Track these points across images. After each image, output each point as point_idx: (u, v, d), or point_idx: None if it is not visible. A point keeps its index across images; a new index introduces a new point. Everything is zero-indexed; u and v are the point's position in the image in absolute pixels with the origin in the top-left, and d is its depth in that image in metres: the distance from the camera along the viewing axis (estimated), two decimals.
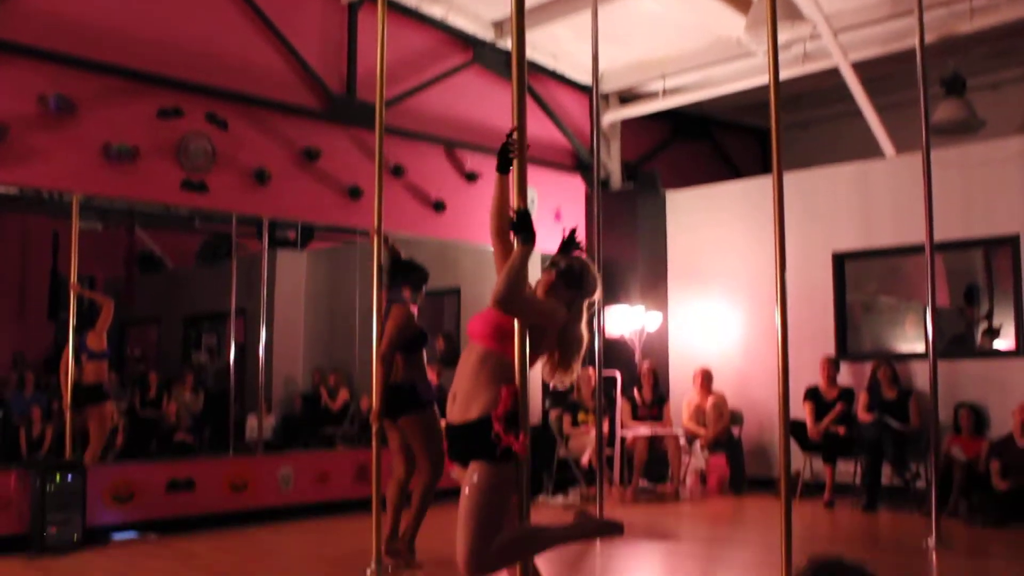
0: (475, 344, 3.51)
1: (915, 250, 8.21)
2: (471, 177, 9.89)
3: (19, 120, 7.03)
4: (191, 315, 12.39)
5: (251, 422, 9.87)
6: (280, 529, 7.74)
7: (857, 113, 9.68)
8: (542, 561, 4.59)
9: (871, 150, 9.72)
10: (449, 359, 11.54)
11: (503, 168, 3.58)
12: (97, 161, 7.43)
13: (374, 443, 6.18)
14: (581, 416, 9.58)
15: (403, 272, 6.46)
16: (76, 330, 7.88)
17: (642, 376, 10.00)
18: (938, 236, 7.25)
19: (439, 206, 9.61)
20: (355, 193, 8.91)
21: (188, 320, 12.47)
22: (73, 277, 7.84)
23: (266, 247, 9.14)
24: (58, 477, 6.86)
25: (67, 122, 7.29)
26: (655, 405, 9.91)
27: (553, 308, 3.59)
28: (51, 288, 10.92)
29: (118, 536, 7.15)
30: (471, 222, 9.82)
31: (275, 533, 7.61)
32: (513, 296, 3.32)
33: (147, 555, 6.72)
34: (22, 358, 10.63)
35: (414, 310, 6.41)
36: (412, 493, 6.29)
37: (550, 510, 8.94)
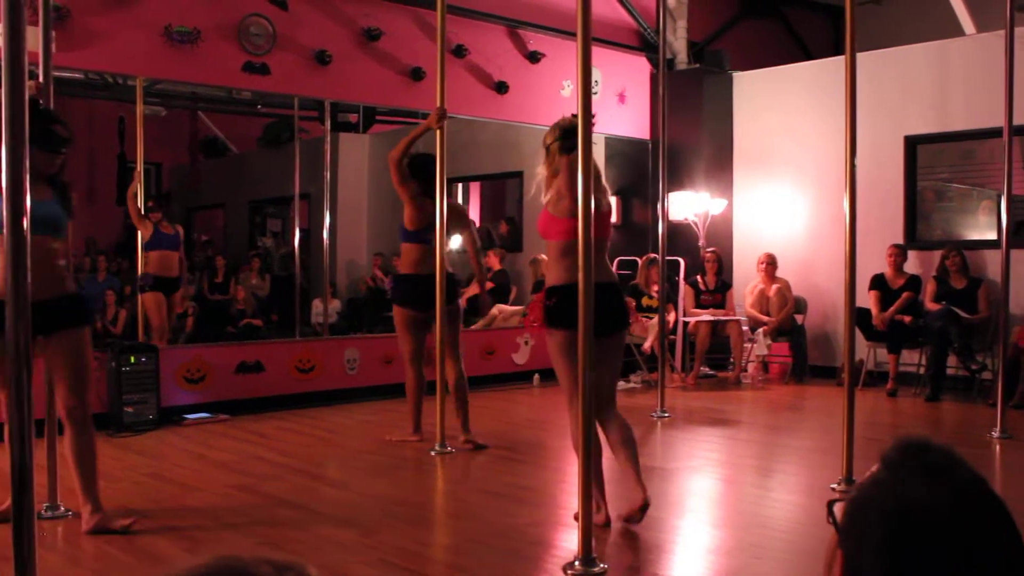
0: None
1: (992, 134, 7.94)
2: (534, 57, 9.71)
3: (80, 3, 7.01)
4: (255, 200, 12.51)
5: (316, 306, 10.02)
6: (345, 410, 7.91)
7: None
8: (604, 447, 4.65)
9: (949, 29, 9.33)
10: (512, 243, 11.55)
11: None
12: (159, 43, 7.41)
13: (439, 328, 6.25)
14: (645, 301, 9.56)
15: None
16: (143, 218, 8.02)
17: (705, 262, 9.92)
18: (1018, 119, 7.00)
19: (502, 87, 9.48)
20: (417, 74, 8.80)
21: (253, 205, 12.60)
22: (139, 165, 7.92)
23: (328, 130, 9.13)
24: (132, 359, 7.05)
25: (128, 4, 7.25)
26: (718, 291, 9.85)
27: None
28: (119, 173, 11.07)
29: (190, 416, 7.35)
30: (534, 104, 9.69)
31: (340, 414, 7.78)
32: None
33: (219, 435, 6.93)
34: (94, 243, 10.85)
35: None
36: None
37: None
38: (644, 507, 4.49)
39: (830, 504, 1.15)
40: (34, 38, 4.27)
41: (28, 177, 2.76)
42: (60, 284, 4.32)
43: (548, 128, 4.63)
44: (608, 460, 4.70)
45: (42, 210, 4.10)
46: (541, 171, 4.67)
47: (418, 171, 6.35)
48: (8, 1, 2.65)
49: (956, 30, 9.25)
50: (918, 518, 1.02)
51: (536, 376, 9.49)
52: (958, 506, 1.03)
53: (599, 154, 10.63)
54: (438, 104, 6.24)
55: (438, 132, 6.27)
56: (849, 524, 1.09)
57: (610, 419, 4.60)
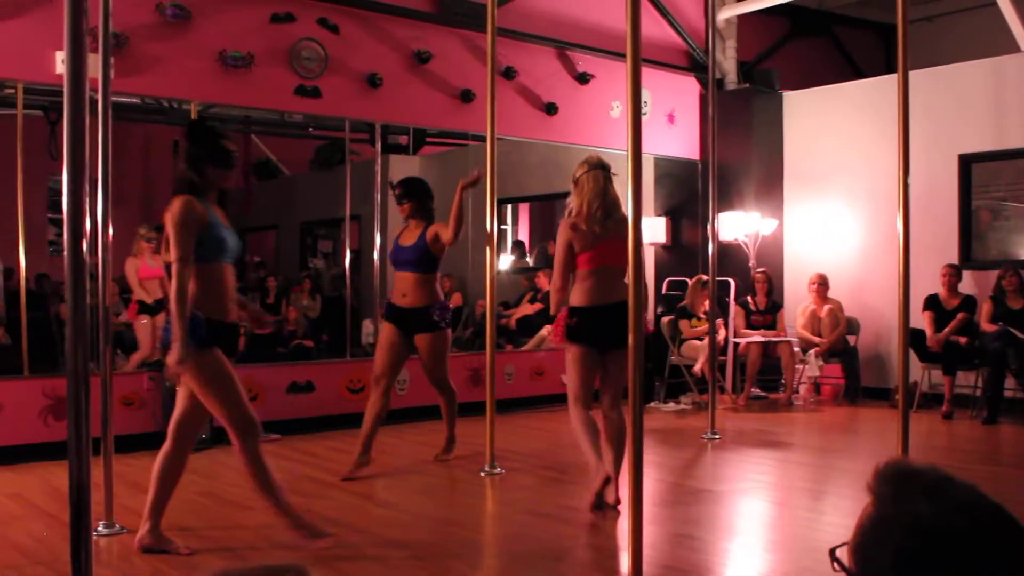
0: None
1: None
2: (583, 79, 9.74)
3: (138, 29, 7.16)
4: (307, 221, 12.65)
5: (367, 327, 10.09)
6: (396, 431, 7.94)
7: (991, 4, 9.16)
8: (654, 469, 4.62)
9: (1004, 45, 9.20)
10: None
11: None
12: (213, 68, 7.54)
13: (488, 348, 6.28)
14: (694, 323, 9.50)
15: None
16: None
17: (756, 283, 9.85)
18: None
19: (551, 109, 9.51)
20: (467, 96, 8.86)
21: (304, 226, 12.74)
22: None
23: (379, 152, 9.22)
24: None
25: (183, 30, 7.40)
26: (769, 312, 9.78)
27: None
28: None
29: None
30: (583, 125, 9.71)
31: (391, 435, 7.80)
32: None
33: (270, 454, 6.91)
34: None
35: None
36: None
37: (663, 415, 8.97)
38: (607, 480, 5.04)
39: (832, 551, 1.15)
40: (94, 65, 4.38)
41: (206, 198, 2.82)
42: (234, 310, 4.50)
43: (594, 150, 4.75)
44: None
45: (232, 240, 4.40)
46: (571, 201, 5.37)
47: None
48: (71, 31, 2.72)
49: (1011, 46, 9.12)
50: (935, 542, 1.02)
51: None
52: (969, 519, 1.03)
53: (647, 175, 10.62)
54: (488, 126, 6.29)
55: (488, 153, 6.32)
56: (864, 567, 1.08)
57: (611, 418, 5.30)
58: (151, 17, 7.25)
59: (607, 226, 5.25)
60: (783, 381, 9.62)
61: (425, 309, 6.28)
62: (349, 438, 7.58)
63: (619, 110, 9.78)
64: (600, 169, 5.40)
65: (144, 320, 8.50)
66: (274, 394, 7.83)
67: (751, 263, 10.16)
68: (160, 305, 8.52)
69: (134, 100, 8.19)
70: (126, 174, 11.46)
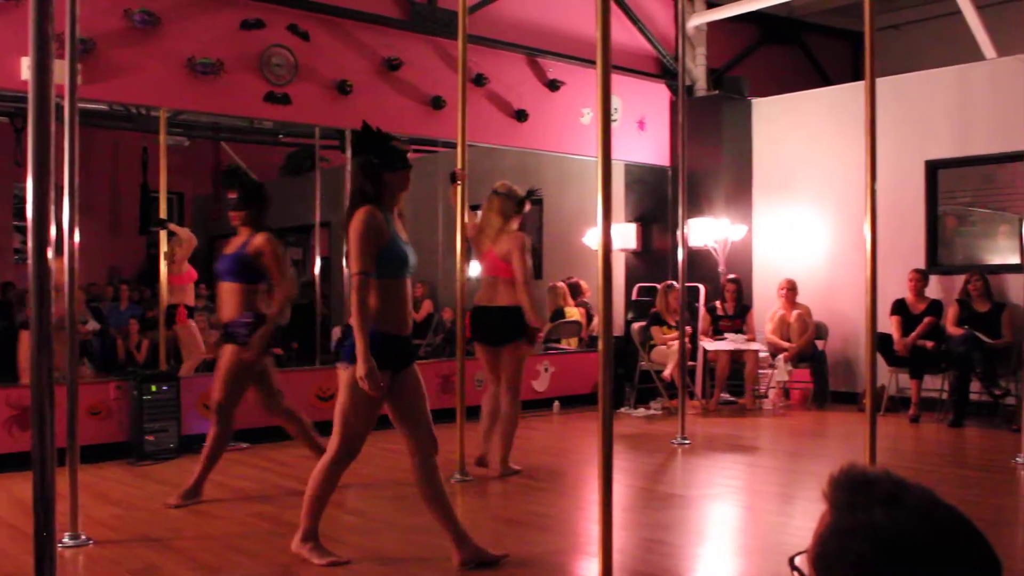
0: None
1: (1013, 158, 7.91)
2: (553, 86, 9.76)
3: (106, 35, 7.11)
4: (277, 228, 12.54)
5: (336, 334, 10.05)
6: (368, 438, 7.89)
7: (956, 13, 9.27)
8: (624, 475, 4.63)
9: (970, 53, 9.31)
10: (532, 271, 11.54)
11: None
12: (182, 75, 7.50)
13: (459, 355, 6.28)
14: (665, 330, 9.53)
15: None
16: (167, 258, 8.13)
17: (725, 290, 9.91)
18: None
19: (521, 115, 9.53)
20: (437, 103, 8.86)
21: (274, 233, 12.65)
22: (162, 195, 8.00)
23: (349, 159, 9.17)
24: (154, 387, 7.09)
25: (152, 36, 7.35)
26: (737, 316, 9.83)
27: None
28: (142, 203, 11.17)
29: None
30: (553, 132, 9.73)
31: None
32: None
33: (239, 463, 6.94)
34: (117, 272, 10.94)
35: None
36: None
37: (633, 420, 9.00)
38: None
39: (792, 560, 1.15)
40: (60, 71, 4.34)
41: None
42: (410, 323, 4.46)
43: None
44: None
45: (412, 255, 4.33)
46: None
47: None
48: (36, 36, 2.69)
49: (976, 54, 9.24)
50: (895, 552, 1.03)
51: (556, 403, 9.47)
52: (926, 526, 1.04)
53: (617, 181, 10.65)
54: (459, 133, 6.31)
55: (459, 160, 6.34)
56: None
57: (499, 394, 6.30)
58: (119, 23, 7.20)
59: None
60: (753, 386, 9.66)
61: (229, 323, 5.72)
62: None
63: (589, 117, 9.81)
64: (495, 195, 6.35)
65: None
66: (243, 402, 7.76)
67: (721, 269, 10.21)
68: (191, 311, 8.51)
69: (101, 107, 8.12)
70: (93, 181, 11.39)
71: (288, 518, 5.24)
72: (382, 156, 4.27)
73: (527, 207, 6.47)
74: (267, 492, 5.95)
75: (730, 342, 9.56)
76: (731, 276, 9.96)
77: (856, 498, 1.09)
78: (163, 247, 8.09)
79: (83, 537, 4.73)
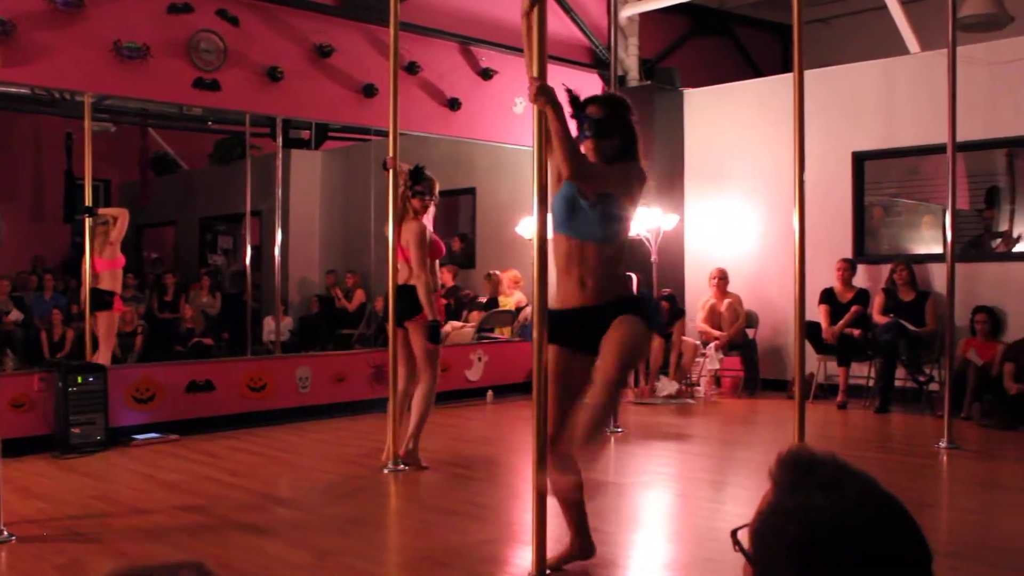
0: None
1: (936, 150, 8.07)
2: (486, 74, 9.74)
3: (27, 17, 6.91)
4: (206, 217, 12.39)
5: (268, 324, 9.94)
6: (297, 429, 7.84)
7: (881, 7, 9.43)
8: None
9: (895, 47, 9.49)
10: (465, 259, 11.55)
11: None
12: (107, 59, 7.32)
13: (391, 344, 6.24)
14: None
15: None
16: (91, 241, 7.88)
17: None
18: (961, 136, 7.14)
19: (454, 104, 9.48)
20: (369, 91, 8.78)
21: (203, 222, 12.47)
22: (87, 182, 7.80)
23: (280, 147, 9.07)
24: (80, 379, 6.93)
25: (75, 19, 7.17)
26: (669, 325, 9.85)
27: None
28: (66, 190, 10.90)
29: (139, 437, 7.24)
30: (486, 120, 9.70)
31: (292, 433, 7.70)
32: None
33: (168, 455, 6.83)
34: (41, 261, 10.67)
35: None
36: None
37: None
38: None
39: (734, 532, 1.16)
40: None
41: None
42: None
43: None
44: None
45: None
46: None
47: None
48: None
49: (901, 49, 9.41)
50: (829, 537, 1.04)
51: (490, 392, 9.46)
52: (863, 515, 1.06)
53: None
54: (391, 121, 6.25)
55: (391, 148, 6.29)
56: (760, 553, 1.10)
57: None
58: (41, 4, 7.00)
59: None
60: (684, 375, 9.74)
61: None
62: (250, 437, 7.48)
63: (522, 106, 9.80)
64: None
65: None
66: (173, 393, 7.65)
67: (653, 259, 10.27)
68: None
69: (23, 90, 7.90)
70: (15, 167, 11.09)
71: (218, 511, 5.17)
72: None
73: (430, 192, 6.57)
74: (197, 484, 5.86)
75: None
76: (665, 292, 9.84)
77: (799, 480, 1.10)
78: (87, 237, 7.87)
79: (5, 534, 4.60)
